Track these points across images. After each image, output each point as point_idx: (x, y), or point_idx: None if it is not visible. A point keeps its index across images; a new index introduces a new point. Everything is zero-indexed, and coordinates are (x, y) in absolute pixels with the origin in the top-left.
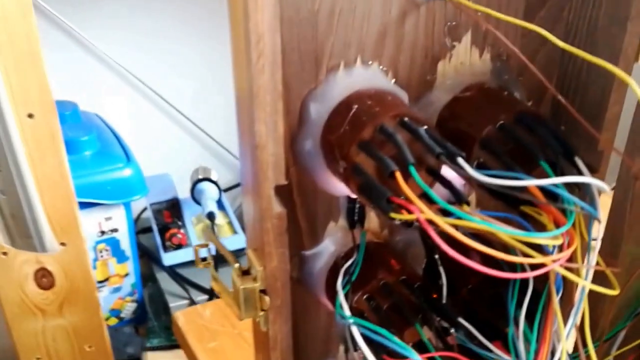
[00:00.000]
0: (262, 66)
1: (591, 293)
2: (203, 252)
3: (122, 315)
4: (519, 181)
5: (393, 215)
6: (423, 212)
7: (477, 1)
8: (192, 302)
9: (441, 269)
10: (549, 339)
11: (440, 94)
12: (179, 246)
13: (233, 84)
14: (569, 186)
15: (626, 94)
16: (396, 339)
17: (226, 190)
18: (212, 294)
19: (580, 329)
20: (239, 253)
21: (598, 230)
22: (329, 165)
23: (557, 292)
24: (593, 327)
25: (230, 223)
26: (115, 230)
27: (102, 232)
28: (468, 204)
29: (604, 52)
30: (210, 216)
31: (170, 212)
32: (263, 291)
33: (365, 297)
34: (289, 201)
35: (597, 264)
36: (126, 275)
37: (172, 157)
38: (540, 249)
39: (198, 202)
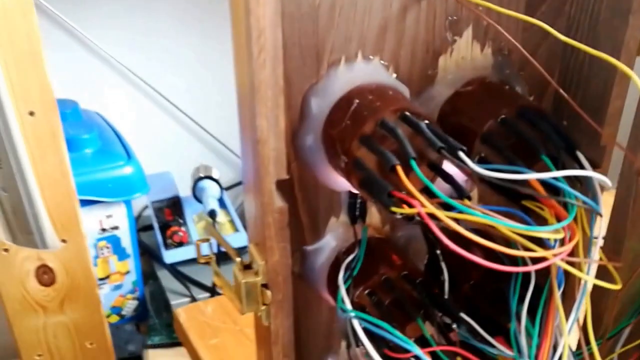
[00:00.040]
0: (263, 61)
1: (594, 289)
2: (205, 249)
3: (123, 312)
4: (520, 175)
5: (394, 209)
6: (424, 206)
7: None
8: (194, 300)
9: (443, 265)
10: (551, 334)
11: (442, 89)
12: (180, 244)
13: (234, 79)
14: (571, 181)
15: (628, 88)
16: (398, 332)
17: (227, 188)
18: (213, 292)
19: (583, 326)
20: (240, 251)
21: (600, 227)
22: (330, 160)
23: (559, 287)
24: (597, 324)
25: (231, 221)
26: (116, 227)
27: (103, 230)
28: (469, 198)
29: (605, 45)
30: (212, 214)
31: (172, 210)
32: (265, 285)
33: (366, 292)
34: (290, 196)
35: (600, 258)
36: (127, 272)
37: (173, 155)
38: (542, 243)
39: (199, 200)
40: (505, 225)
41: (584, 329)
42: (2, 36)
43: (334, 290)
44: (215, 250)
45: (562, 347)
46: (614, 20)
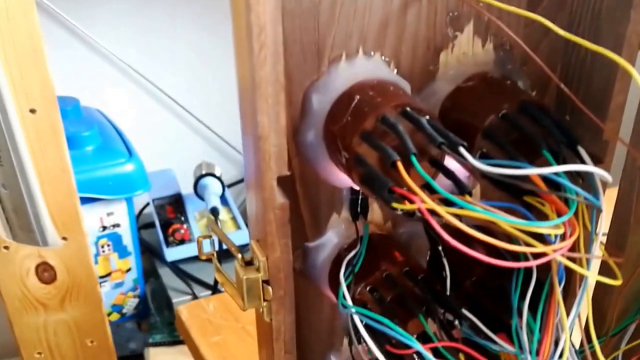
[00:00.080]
0: (264, 58)
1: (597, 286)
2: (206, 246)
3: (124, 310)
4: (520, 170)
5: (395, 205)
6: (425, 202)
7: None
8: (195, 298)
9: (445, 261)
10: (552, 329)
11: (443, 84)
12: (181, 241)
13: (235, 76)
14: (573, 177)
15: (631, 83)
16: (399, 328)
17: (230, 185)
18: (214, 290)
19: (585, 323)
20: (242, 249)
21: (602, 222)
22: (332, 156)
23: (560, 283)
24: (601, 321)
25: (233, 218)
26: (117, 225)
27: (104, 227)
28: (470, 194)
29: (607, 40)
30: (214, 211)
31: (173, 207)
32: (266, 282)
33: (368, 288)
34: (291, 192)
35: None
36: (128, 270)
37: (175, 152)
38: (543, 239)
39: (201, 198)
40: (506, 221)
41: (585, 325)
42: (4, 34)
43: (335, 286)
44: (217, 247)
45: (563, 342)
46: (615, 15)
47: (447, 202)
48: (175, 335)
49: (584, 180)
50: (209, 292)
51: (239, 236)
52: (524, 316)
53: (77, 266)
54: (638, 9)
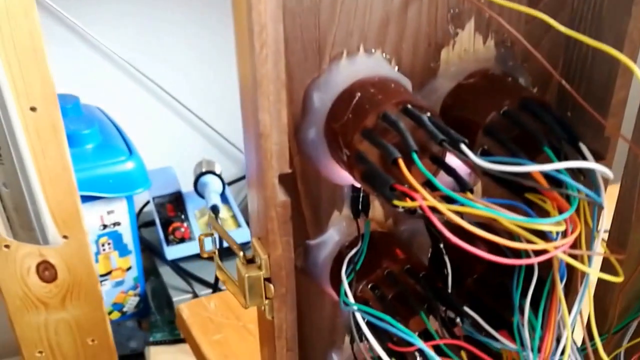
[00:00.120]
0: (265, 56)
1: (599, 283)
2: (208, 244)
3: (125, 309)
4: (521, 167)
5: (396, 202)
6: (426, 199)
7: None
8: (195, 296)
9: (446, 258)
10: (554, 326)
11: (444, 81)
12: (182, 240)
13: (237, 74)
14: (575, 174)
15: (632, 79)
16: (400, 325)
17: (230, 183)
18: (215, 288)
19: (587, 320)
20: (243, 246)
21: (603, 219)
22: (333, 153)
23: (561, 280)
24: (603, 319)
25: (234, 216)
26: (117, 223)
27: (104, 226)
28: (472, 191)
29: (609, 36)
30: (214, 209)
31: (173, 205)
32: (268, 280)
33: (369, 286)
34: (293, 190)
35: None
36: (128, 268)
37: (175, 150)
38: (545, 236)
39: (201, 196)
40: (507, 218)
41: (587, 323)
42: (5, 33)
43: (337, 284)
44: (218, 245)
45: (565, 340)
46: (617, 11)
47: (448, 200)
48: (175, 334)
49: (585, 176)
50: (210, 290)
51: (240, 234)
52: (525, 313)
53: (78, 265)
54: (639, 5)
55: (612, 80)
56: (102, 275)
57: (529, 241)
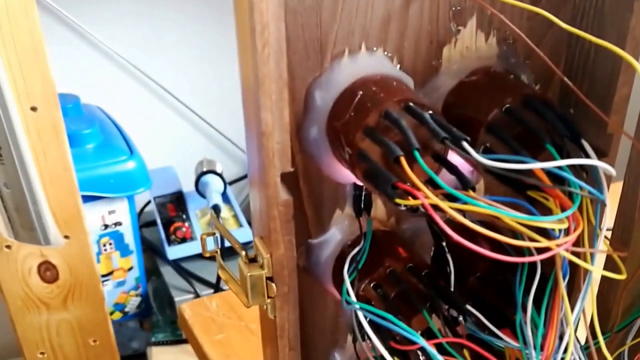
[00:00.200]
0: (267, 55)
1: (603, 281)
2: (210, 244)
3: (127, 309)
4: (523, 164)
5: (398, 200)
6: (428, 197)
7: None
8: (197, 296)
9: (448, 256)
10: (557, 324)
11: (446, 79)
12: (183, 240)
13: (238, 73)
14: (577, 171)
15: (635, 75)
16: (403, 324)
17: (231, 183)
18: (217, 288)
19: (591, 320)
20: (244, 246)
21: (606, 217)
22: (335, 152)
23: (564, 278)
24: (606, 317)
25: (235, 216)
26: (118, 223)
27: (106, 226)
28: (474, 189)
29: (611, 33)
30: (215, 209)
31: (175, 205)
32: (270, 279)
33: (372, 284)
34: (295, 189)
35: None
36: (130, 269)
37: (176, 149)
38: (547, 233)
39: (203, 195)
40: (509, 216)
41: (591, 321)
42: (5, 33)
43: (339, 283)
44: (220, 244)
45: (568, 337)
46: (619, 7)
47: (450, 198)
48: (177, 334)
49: (588, 174)
50: (211, 290)
51: (241, 234)
52: (528, 311)
53: (79, 265)
54: None
55: (615, 77)
56: (103, 276)
57: (531, 239)
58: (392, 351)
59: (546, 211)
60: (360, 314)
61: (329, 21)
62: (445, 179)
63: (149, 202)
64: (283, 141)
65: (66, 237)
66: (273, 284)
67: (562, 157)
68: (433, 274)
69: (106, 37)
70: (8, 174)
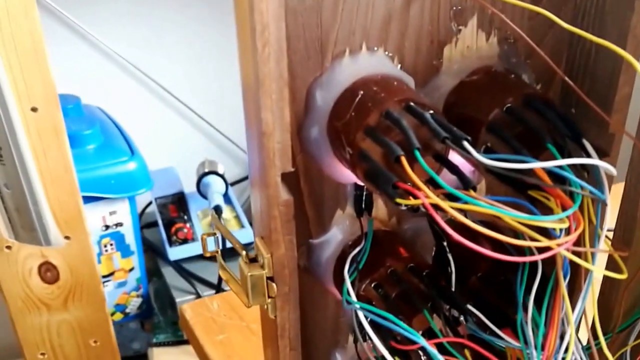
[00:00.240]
0: (267, 55)
1: (605, 281)
2: (211, 244)
3: (128, 310)
4: (524, 164)
5: (398, 200)
6: (428, 197)
7: None
8: (198, 297)
9: (450, 256)
10: (557, 324)
11: (447, 79)
12: (184, 241)
13: (239, 73)
14: (578, 171)
15: (636, 74)
16: (403, 324)
17: (233, 183)
18: (218, 289)
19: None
20: (246, 247)
21: (607, 217)
22: (336, 152)
23: (565, 277)
24: (608, 317)
25: (237, 217)
26: (119, 224)
27: (107, 227)
28: (475, 189)
29: (612, 32)
30: (217, 210)
31: (176, 206)
32: (270, 279)
33: (373, 284)
34: (296, 189)
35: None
36: (131, 269)
37: (178, 150)
38: (548, 233)
39: (204, 196)
40: (510, 215)
41: (592, 322)
42: (5, 34)
43: (340, 283)
44: (221, 245)
45: (569, 336)
46: (620, 6)
47: (451, 197)
48: (179, 335)
49: (589, 173)
50: (213, 291)
51: (243, 235)
52: (529, 311)
53: (80, 266)
54: None
55: (616, 76)
56: (104, 276)
57: (532, 238)
58: (393, 351)
59: (547, 211)
60: (360, 314)
61: (329, 21)
62: (446, 178)
63: (150, 203)
64: (283, 141)
65: (67, 237)
66: (274, 284)
67: (563, 157)
68: (434, 274)
69: (107, 38)
70: (8, 174)
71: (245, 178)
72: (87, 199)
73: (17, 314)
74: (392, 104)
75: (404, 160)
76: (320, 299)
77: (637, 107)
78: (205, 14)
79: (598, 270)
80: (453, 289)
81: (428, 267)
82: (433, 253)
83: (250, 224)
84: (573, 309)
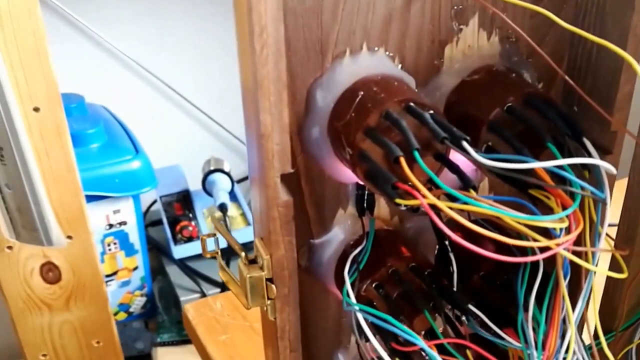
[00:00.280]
0: (265, 56)
1: (608, 280)
2: (211, 244)
3: (131, 309)
4: (524, 164)
5: (398, 200)
6: (427, 198)
7: None
8: (204, 296)
9: (451, 256)
10: (558, 324)
11: (448, 78)
12: (189, 239)
13: (239, 75)
14: (579, 170)
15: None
16: (403, 325)
17: (239, 181)
18: (224, 287)
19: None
20: (252, 245)
21: (608, 215)
22: (337, 152)
23: (565, 277)
24: (612, 315)
25: (243, 214)
26: (123, 223)
27: (110, 225)
28: (475, 189)
29: (613, 31)
30: (222, 208)
31: (181, 204)
32: (270, 280)
33: (374, 285)
34: (296, 189)
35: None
36: (135, 268)
37: (183, 148)
38: (549, 233)
39: (210, 194)
40: (509, 216)
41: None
42: (8, 33)
43: (342, 284)
44: (222, 244)
45: (569, 336)
46: (620, 6)
47: (451, 198)
48: (183, 335)
49: (590, 172)
50: (218, 289)
51: (249, 233)
52: (530, 311)
53: (83, 265)
54: None
55: (617, 75)
56: (108, 276)
57: (532, 238)
58: (394, 352)
59: (548, 210)
60: (360, 316)
61: (329, 21)
62: (448, 178)
63: (155, 201)
64: (283, 142)
65: (69, 237)
66: (273, 286)
67: (564, 156)
68: (436, 274)
69: (111, 36)
70: (10, 174)
71: None
72: (91, 198)
73: (18, 314)
74: (392, 105)
75: (402, 161)
76: (321, 299)
77: (639, 105)
78: (210, 11)
79: (598, 270)
80: (455, 289)
81: (430, 267)
82: (435, 252)
83: None
84: (574, 308)
